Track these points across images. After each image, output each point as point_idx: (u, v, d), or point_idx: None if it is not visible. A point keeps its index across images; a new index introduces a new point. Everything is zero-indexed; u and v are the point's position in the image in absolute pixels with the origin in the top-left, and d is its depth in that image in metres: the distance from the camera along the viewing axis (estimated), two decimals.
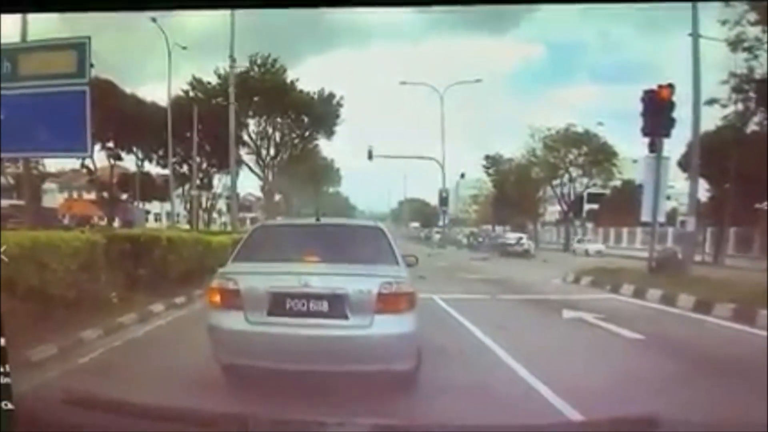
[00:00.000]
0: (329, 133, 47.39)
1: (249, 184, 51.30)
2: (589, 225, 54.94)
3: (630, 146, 45.72)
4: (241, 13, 27.60)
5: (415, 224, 67.28)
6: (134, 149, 42.48)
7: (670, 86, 18.15)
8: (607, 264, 23.53)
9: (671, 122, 18.30)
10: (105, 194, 42.90)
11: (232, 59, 31.61)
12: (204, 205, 46.09)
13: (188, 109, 38.02)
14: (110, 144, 40.68)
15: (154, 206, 48.15)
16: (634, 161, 38.90)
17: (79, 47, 12.42)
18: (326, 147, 51.15)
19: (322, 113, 45.17)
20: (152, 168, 44.46)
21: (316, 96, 45.27)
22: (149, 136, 39.79)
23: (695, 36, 19.09)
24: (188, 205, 43.62)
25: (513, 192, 54.12)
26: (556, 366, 7.98)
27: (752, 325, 11.21)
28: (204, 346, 6.83)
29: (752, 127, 28.01)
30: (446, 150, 47.15)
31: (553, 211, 58.36)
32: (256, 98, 43.00)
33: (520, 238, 42.05)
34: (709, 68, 22.08)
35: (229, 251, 8.28)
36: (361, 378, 6.37)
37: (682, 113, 18.92)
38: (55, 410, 3.20)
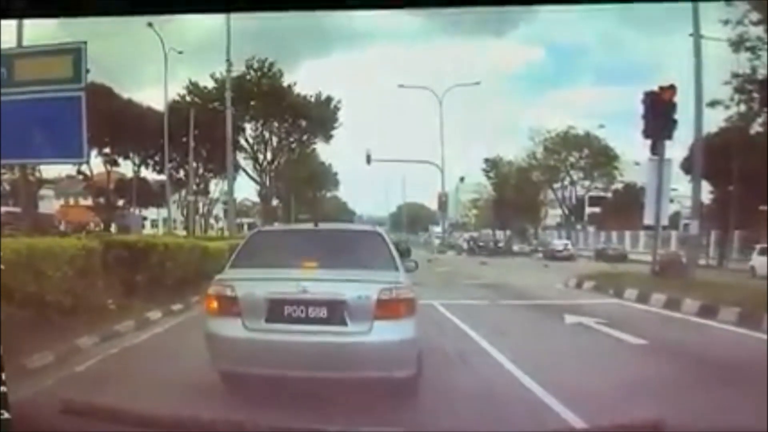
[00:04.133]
0: (327, 137, 47.51)
1: (246, 189, 51.42)
2: (591, 228, 54.99)
3: (632, 148, 45.85)
4: (237, 17, 27.62)
5: (437, 229, 66.78)
6: (131, 155, 42.49)
7: (672, 88, 18.10)
8: (609, 268, 23.46)
9: (673, 124, 18.26)
10: (101, 200, 42.86)
11: (229, 63, 31.57)
12: (201, 210, 46.11)
13: (185, 113, 37.99)
14: (106, 150, 40.74)
15: (151, 212, 48.25)
16: (636, 164, 39.00)
17: (75, 52, 12.34)
18: (324, 151, 51.28)
19: (319, 117, 45.23)
20: (149, 173, 44.57)
21: (313, 99, 45.34)
22: (146, 142, 39.82)
23: (697, 36, 19.04)
24: (185, 211, 43.59)
25: (513, 195, 54.27)
26: (559, 372, 7.90)
27: (758, 330, 11.09)
28: (202, 354, 6.73)
29: (756, 128, 28.03)
30: (445, 153, 47.33)
31: (554, 214, 58.41)
32: (253, 102, 43.07)
33: (566, 245, 43.53)
34: (711, 69, 22.05)
35: (226, 257, 8.17)
36: (361, 385, 6.29)
37: (685, 115, 18.89)
38: (52, 419, 3.09)
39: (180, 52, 37.22)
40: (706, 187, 29.03)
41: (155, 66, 37.01)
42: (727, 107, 27.00)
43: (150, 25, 33.82)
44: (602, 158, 52.14)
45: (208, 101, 41.65)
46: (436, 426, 6.13)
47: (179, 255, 14.84)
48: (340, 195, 68.29)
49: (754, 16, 23.68)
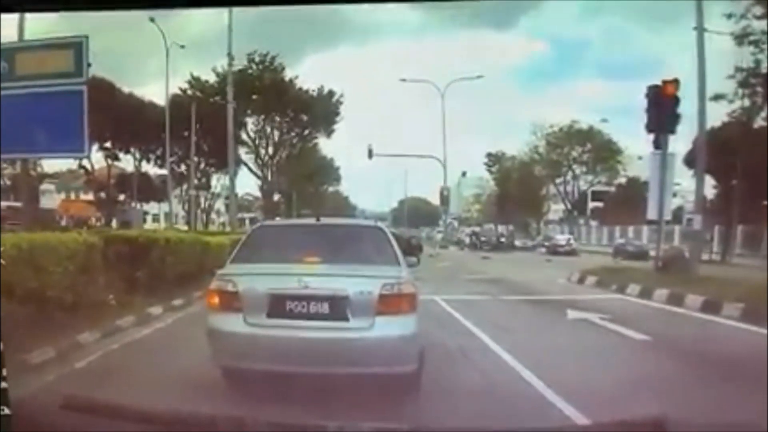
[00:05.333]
0: (329, 132, 47.46)
1: (248, 184, 51.44)
2: (594, 223, 54.94)
3: (635, 142, 45.83)
4: (239, 11, 27.59)
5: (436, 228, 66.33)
6: (132, 149, 42.46)
7: (675, 81, 18.03)
8: (612, 263, 23.43)
9: (676, 118, 18.18)
10: (102, 195, 42.87)
11: (231, 57, 31.49)
12: (202, 205, 46.09)
13: (186, 108, 37.93)
14: (108, 144, 40.70)
15: (152, 207, 48.24)
16: (639, 158, 38.89)
17: (77, 46, 12.36)
18: (326, 145, 51.29)
19: (321, 111, 45.17)
20: (150, 168, 44.57)
21: (315, 94, 45.28)
22: (147, 136, 39.81)
23: (700, 30, 18.97)
24: (186, 206, 43.60)
25: (516, 190, 54.23)
26: (561, 368, 7.89)
27: (761, 326, 11.03)
28: (203, 349, 6.72)
29: (759, 122, 27.93)
30: (447, 148, 47.26)
31: (556, 209, 58.35)
32: (254, 97, 42.97)
33: (569, 240, 43.46)
34: (714, 63, 21.98)
35: (227, 252, 8.15)
36: (362, 381, 6.27)
37: (688, 109, 18.82)
38: (53, 415, 3.06)
39: (182, 47, 37.20)
40: (709, 182, 28.89)
41: (157, 60, 37.00)
42: (731, 101, 27.00)
43: (152, 19, 33.80)
44: (605, 152, 52.03)
45: (209, 95, 41.58)
46: (437, 422, 6.10)
47: (180, 250, 14.80)
48: (342, 190, 68.32)
49: (758, 10, 23.61)
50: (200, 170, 44.02)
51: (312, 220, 8.33)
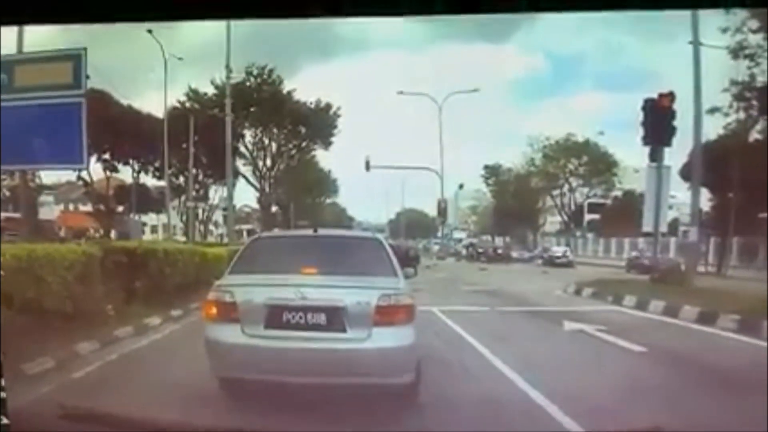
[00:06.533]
0: (326, 144, 47.48)
1: (245, 196, 51.35)
2: (590, 235, 54.92)
3: (631, 155, 45.97)
4: (237, 24, 27.65)
5: (457, 235, 65.78)
6: (130, 161, 42.43)
7: (671, 95, 18.13)
8: (609, 275, 23.44)
9: (672, 131, 18.28)
10: (101, 206, 42.78)
11: (229, 70, 31.60)
12: (200, 216, 46.00)
13: (184, 120, 37.95)
14: (106, 156, 40.62)
15: (151, 218, 48.16)
16: (635, 171, 38.95)
17: (75, 58, 12.42)
18: (323, 157, 51.26)
19: (319, 123, 45.24)
20: (148, 180, 44.45)
21: (313, 106, 45.30)
22: (145, 148, 39.73)
23: (696, 44, 19.11)
24: (184, 217, 43.55)
25: (512, 202, 54.32)
26: (558, 379, 7.88)
27: (757, 337, 11.08)
28: (201, 360, 6.72)
29: (755, 135, 28.05)
30: (445, 160, 47.33)
31: (553, 221, 58.40)
32: (252, 109, 43.03)
33: (566, 251, 43.44)
34: (710, 76, 22.10)
35: (225, 263, 8.18)
36: (360, 391, 6.27)
37: (684, 122, 18.92)
38: (51, 425, 3.10)
39: (180, 59, 37.28)
40: (705, 194, 29.03)
41: (155, 72, 37.01)
42: (726, 114, 27.07)
43: (150, 32, 33.89)
44: (601, 165, 52.18)
45: (207, 108, 41.63)
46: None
47: (178, 261, 14.84)
48: (340, 201, 68.32)
49: (754, 23, 23.68)
50: (198, 182, 43.97)
51: (309, 232, 8.34)
